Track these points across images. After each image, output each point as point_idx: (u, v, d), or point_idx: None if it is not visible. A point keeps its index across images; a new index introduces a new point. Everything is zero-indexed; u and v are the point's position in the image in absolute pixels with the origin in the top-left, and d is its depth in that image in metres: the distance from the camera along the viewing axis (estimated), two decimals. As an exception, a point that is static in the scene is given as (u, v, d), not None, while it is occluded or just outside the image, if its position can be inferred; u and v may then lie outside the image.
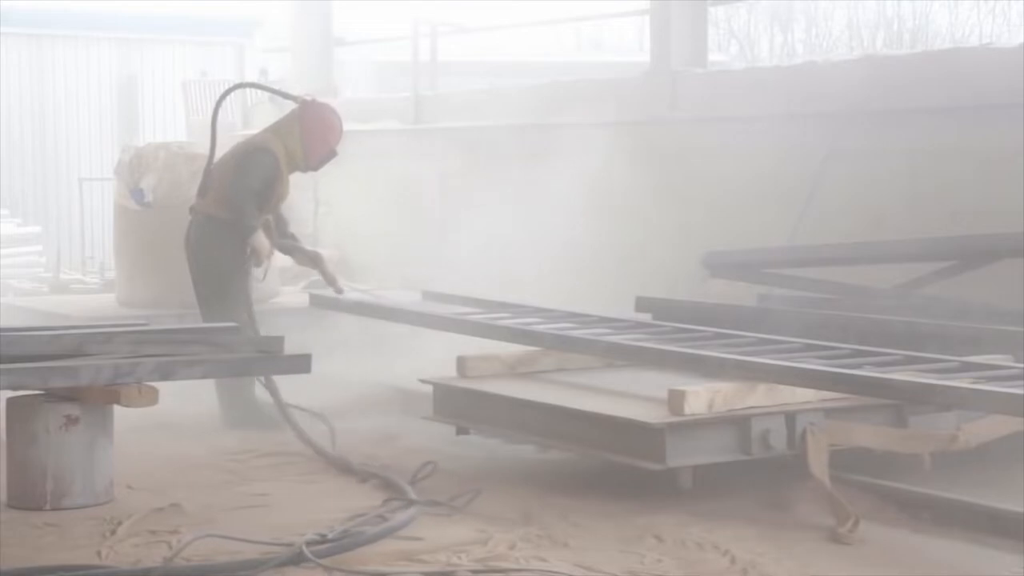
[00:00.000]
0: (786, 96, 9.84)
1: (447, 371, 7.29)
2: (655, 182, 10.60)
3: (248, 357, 6.56)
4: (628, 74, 12.29)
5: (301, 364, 6.71)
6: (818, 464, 5.83)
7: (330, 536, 5.33)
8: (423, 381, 7.31)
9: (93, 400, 6.10)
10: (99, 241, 17.41)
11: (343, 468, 6.84)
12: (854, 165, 9.42)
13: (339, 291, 8.76)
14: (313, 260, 8.70)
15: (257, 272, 8.25)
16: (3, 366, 5.92)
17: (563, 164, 10.94)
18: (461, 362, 7.23)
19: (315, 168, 8.38)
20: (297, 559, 5.12)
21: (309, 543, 5.18)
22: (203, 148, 11.12)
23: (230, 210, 8.11)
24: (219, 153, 8.37)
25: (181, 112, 18.96)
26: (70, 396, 6.09)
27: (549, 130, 11.02)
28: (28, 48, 19.96)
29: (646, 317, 8.35)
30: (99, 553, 5.33)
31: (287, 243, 8.57)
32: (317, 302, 9.44)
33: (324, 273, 8.71)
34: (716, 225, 9.99)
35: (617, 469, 6.23)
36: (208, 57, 20.86)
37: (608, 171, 10.87)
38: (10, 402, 6.20)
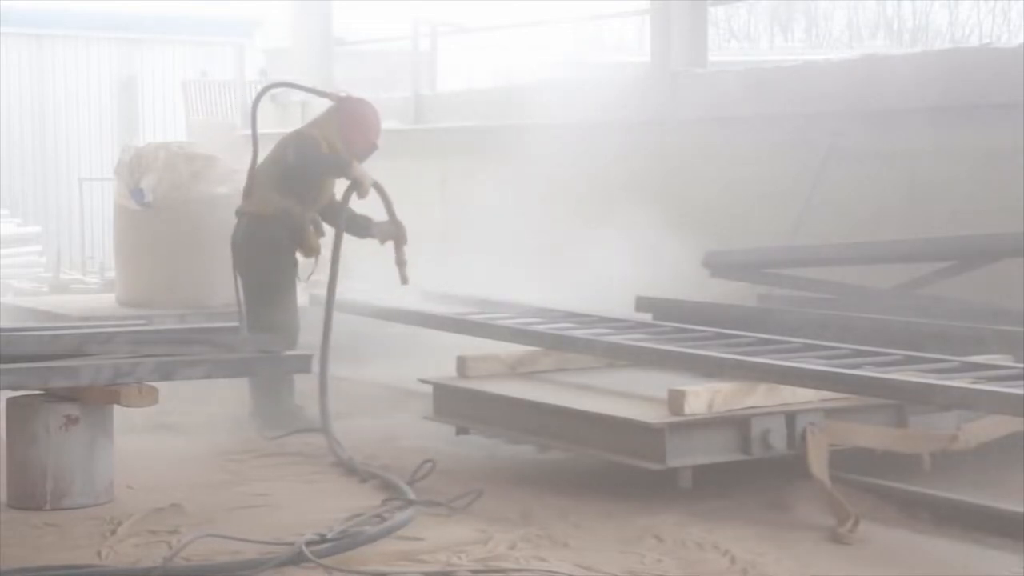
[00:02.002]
0: (786, 96, 9.84)
1: (447, 371, 7.30)
2: (655, 182, 10.61)
3: (249, 357, 6.55)
4: (628, 74, 12.29)
5: (301, 364, 6.71)
6: (818, 464, 5.82)
7: (329, 536, 5.33)
8: (423, 381, 7.31)
9: (93, 400, 6.09)
10: (99, 241, 17.43)
11: (350, 470, 6.79)
12: (854, 165, 9.42)
13: (405, 279, 8.00)
14: (394, 233, 7.98)
15: (302, 271, 8.16)
16: (3, 366, 5.93)
17: (563, 164, 10.95)
18: (461, 362, 7.23)
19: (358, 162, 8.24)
20: (297, 559, 5.12)
21: (309, 543, 5.18)
22: (203, 148, 11.17)
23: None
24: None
25: (181, 112, 18.97)
26: (70, 396, 6.09)
27: (549, 130, 11.02)
28: (28, 48, 19.97)
29: (646, 317, 8.36)
30: (99, 553, 5.33)
31: (360, 219, 8.05)
32: (317, 302, 9.42)
33: (398, 251, 7.98)
34: (716, 225, 9.99)
35: (617, 469, 6.23)
36: (208, 57, 20.87)
37: (608, 171, 10.88)
38: (10, 402, 6.20)
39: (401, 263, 7.97)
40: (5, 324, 8.76)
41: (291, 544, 5.20)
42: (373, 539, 5.38)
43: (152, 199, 10.80)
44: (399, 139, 12.86)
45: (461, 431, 7.14)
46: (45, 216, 19.28)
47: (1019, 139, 8.34)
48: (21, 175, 19.66)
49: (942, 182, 8.89)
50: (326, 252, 7.93)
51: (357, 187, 7.80)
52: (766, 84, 10.14)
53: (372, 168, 7.99)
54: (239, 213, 8.20)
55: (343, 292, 8.92)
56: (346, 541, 5.30)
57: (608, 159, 10.86)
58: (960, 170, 8.79)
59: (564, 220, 11.07)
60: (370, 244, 8.20)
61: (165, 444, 7.56)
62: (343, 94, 8.32)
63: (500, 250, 10.69)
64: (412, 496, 6.08)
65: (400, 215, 8.00)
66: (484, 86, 14.34)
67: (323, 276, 8.70)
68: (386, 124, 12.91)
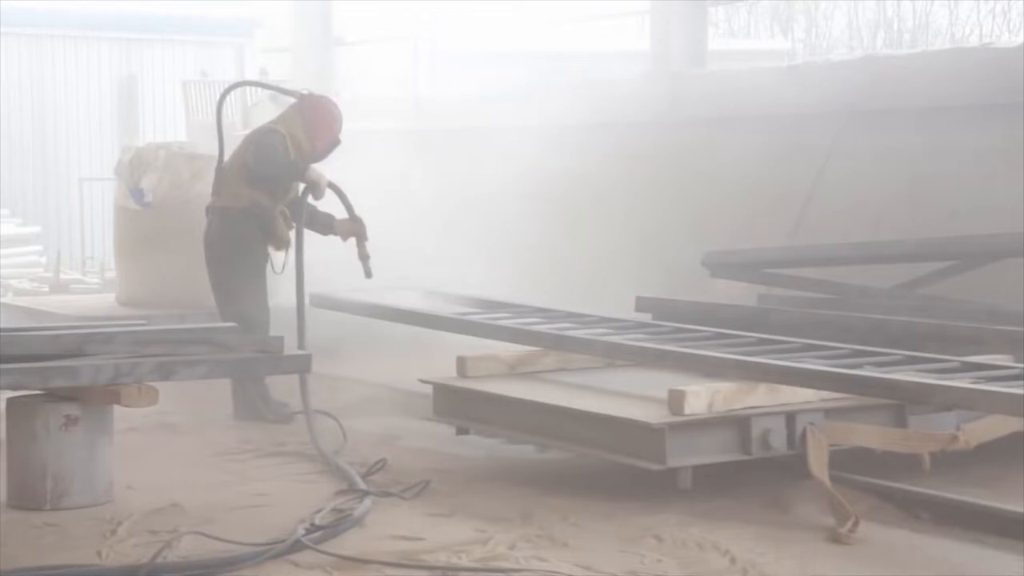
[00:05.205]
0: (786, 96, 9.84)
1: (447, 371, 7.30)
2: (655, 182, 10.61)
3: (249, 357, 6.55)
4: (628, 74, 12.30)
5: (301, 364, 6.71)
6: (818, 464, 5.83)
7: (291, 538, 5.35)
8: (423, 381, 7.31)
9: (93, 400, 6.09)
10: (99, 241, 17.43)
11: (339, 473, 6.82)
12: (854, 165, 9.43)
13: (369, 273, 8.15)
14: (355, 229, 8.16)
15: (275, 264, 8.24)
16: (3, 366, 5.92)
17: (563, 164, 10.95)
18: (461, 362, 7.23)
19: (322, 157, 8.33)
20: (291, 549, 5.20)
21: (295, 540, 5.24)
22: (203, 148, 11.18)
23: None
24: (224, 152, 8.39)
25: (181, 112, 18.96)
26: (70, 396, 6.09)
27: (549, 130, 11.02)
28: (28, 48, 19.95)
29: (646, 317, 8.36)
30: (99, 553, 5.33)
31: (322, 217, 8.21)
32: (317, 302, 9.43)
33: (361, 247, 8.15)
34: (716, 225, 9.99)
35: (617, 469, 6.23)
36: (208, 57, 20.86)
37: (608, 171, 10.88)
38: (10, 402, 6.20)
39: (364, 257, 8.16)
40: (5, 324, 8.76)
41: (283, 541, 5.24)
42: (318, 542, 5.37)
43: (152, 199, 10.81)
44: (399, 139, 12.89)
45: (461, 431, 7.14)
46: (45, 216, 19.26)
47: (1019, 139, 8.34)
48: (21, 175, 19.64)
49: (942, 182, 8.89)
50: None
51: (313, 189, 8.00)
52: (766, 84, 10.14)
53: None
54: (209, 210, 8.29)
55: (340, 291, 8.98)
56: (288, 545, 5.30)
57: (607, 159, 10.86)
58: (960, 170, 8.79)
59: (564, 220, 11.07)
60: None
61: (165, 444, 7.57)
62: (305, 91, 8.41)
63: (499, 250, 10.69)
64: (363, 486, 6.22)
65: (359, 212, 8.16)
66: (484, 87, 14.33)
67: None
68: (386, 124, 13.03)
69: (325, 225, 8.28)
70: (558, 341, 7.38)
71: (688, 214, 10.30)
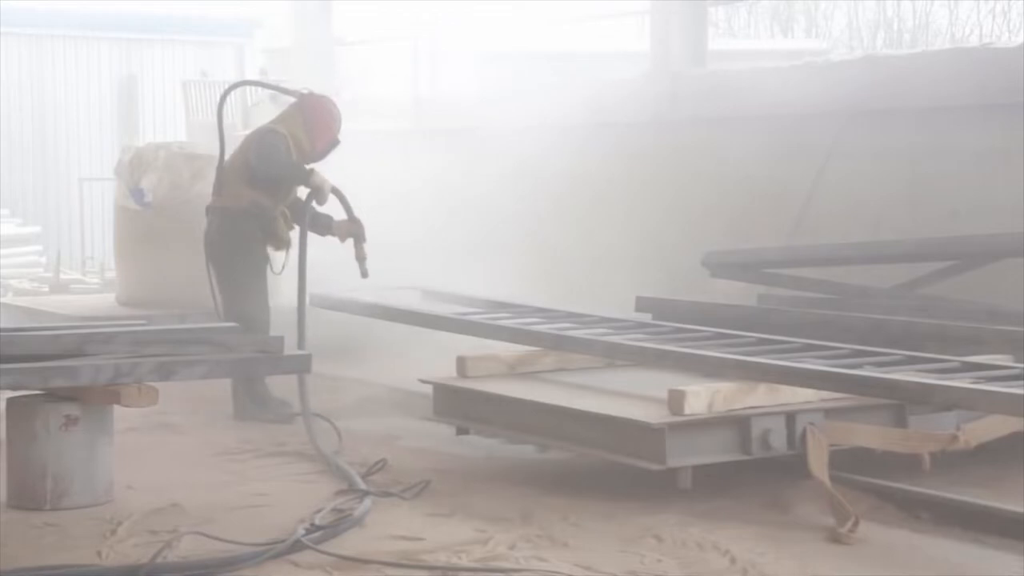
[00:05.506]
0: (786, 96, 9.84)
1: (447, 371, 7.30)
2: (655, 182, 10.60)
3: (249, 357, 6.55)
4: (628, 74, 12.30)
5: (302, 364, 6.71)
6: (818, 464, 5.83)
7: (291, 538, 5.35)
8: (423, 381, 7.31)
9: (93, 400, 6.09)
10: (99, 241, 17.45)
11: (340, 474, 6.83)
12: (854, 165, 9.42)
13: (365, 273, 8.23)
14: (353, 231, 8.24)
15: (275, 264, 8.26)
16: (3, 366, 5.92)
17: (563, 164, 10.95)
18: (461, 362, 7.23)
19: (322, 156, 8.35)
20: (291, 549, 5.20)
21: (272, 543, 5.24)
22: (203, 148, 11.19)
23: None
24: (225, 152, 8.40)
25: (181, 112, 18.97)
26: (70, 396, 6.09)
27: (549, 130, 11.02)
28: (28, 48, 19.96)
29: (646, 317, 8.36)
30: (99, 553, 5.33)
31: (321, 218, 8.25)
32: (317, 302, 9.43)
33: (358, 248, 8.24)
34: (716, 225, 9.99)
35: (617, 469, 6.23)
36: (208, 57, 20.87)
37: (608, 171, 10.88)
38: (10, 402, 6.20)
39: (361, 258, 8.24)
40: (5, 324, 8.77)
41: (283, 541, 5.23)
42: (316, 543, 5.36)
43: (152, 199, 10.81)
44: (399, 139, 12.88)
45: (461, 431, 7.14)
46: (45, 216, 19.27)
47: (1019, 139, 8.34)
48: (21, 175, 19.65)
49: (942, 182, 8.89)
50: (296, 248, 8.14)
51: (317, 194, 8.07)
52: (766, 84, 10.14)
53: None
54: (210, 210, 8.31)
55: (340, 291, 8.98)
56: (288, 545, 5.29)
57: (607, 159, 10.86)
58: (960, 170, 8.79)
59: (564, 220, 11.06)
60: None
61: (165, 444, 7.57)
62: (305, 91, 8.42)
63: (499, 250, 10.69)
64: (363, 486, 6.23)
65: (358, 214, 8.22)
66: (484, 87, 14.33)
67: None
68: (386, 124, 13.03)
69: (324, 226, 8.33)
70: (558, 341, 7.38)
71: (688, 214, 10.29)
